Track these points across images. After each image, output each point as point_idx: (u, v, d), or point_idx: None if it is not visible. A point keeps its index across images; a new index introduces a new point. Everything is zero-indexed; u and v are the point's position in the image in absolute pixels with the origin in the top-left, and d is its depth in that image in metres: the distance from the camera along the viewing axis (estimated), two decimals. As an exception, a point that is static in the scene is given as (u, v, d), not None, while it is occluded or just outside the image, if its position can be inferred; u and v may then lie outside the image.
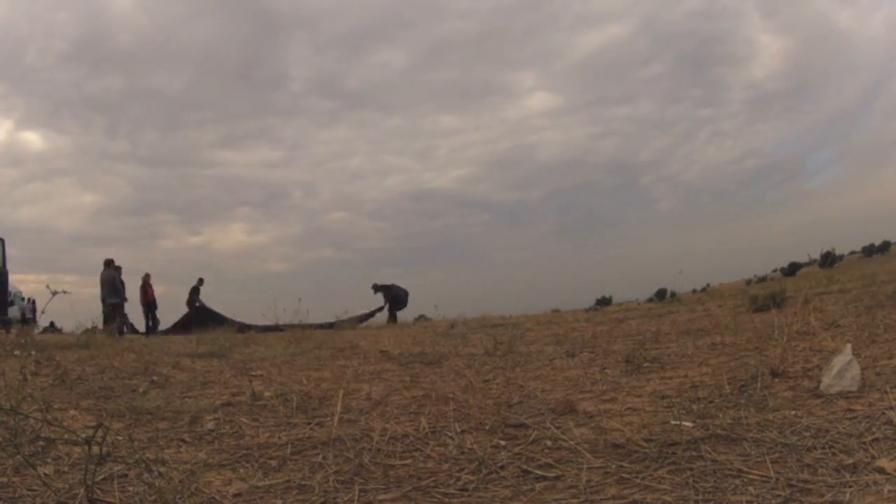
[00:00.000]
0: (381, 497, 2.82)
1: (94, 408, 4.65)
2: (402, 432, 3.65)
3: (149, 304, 22.11)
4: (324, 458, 3.31)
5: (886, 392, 3.43)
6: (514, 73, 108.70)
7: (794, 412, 3.40)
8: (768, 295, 10.45)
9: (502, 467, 3.03)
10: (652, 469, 2.83)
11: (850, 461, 2.69)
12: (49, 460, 3.14)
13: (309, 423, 4.03)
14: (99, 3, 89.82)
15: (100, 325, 13.67)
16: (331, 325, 17.62)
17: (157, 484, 2.84)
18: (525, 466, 3.02)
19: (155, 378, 6.10)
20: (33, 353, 6.40)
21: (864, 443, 2.85)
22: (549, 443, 3.30)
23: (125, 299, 20.77)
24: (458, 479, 2.95)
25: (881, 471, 2.55)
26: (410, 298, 26.24)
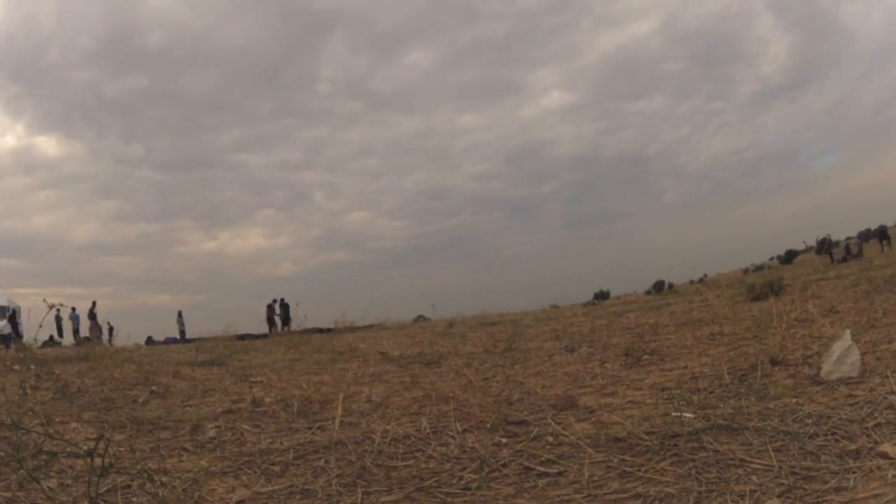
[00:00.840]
0: (384, 499, 2.82)
1: (95, 420, 4.63)
2: (403, 433, 3.64)
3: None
4: (326, 461, 3.31)
5: (887, 377, 3.43)
6: (533, 72, 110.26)
7: (795, 400, 3.41)
8: (766, 283, 10.48)
9: (504, 465, 3.03)
10: (654, 462, 2.83)
11: (853, 447, 2.69)
12: (52, 474, 3.12)
13: (310, 428, 4.02)
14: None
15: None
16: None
17: (160, 493, 2.83)
18: (527, 463, 3.01)
19: (155, 388, 6.08)
20: (32, 367, 6.37)
21: (867, 428, 2.85)
22: (550, 439, 3.30)
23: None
24: (461, 478, 2.95)
25: (884, 456, 2.55)
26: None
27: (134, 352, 12.31)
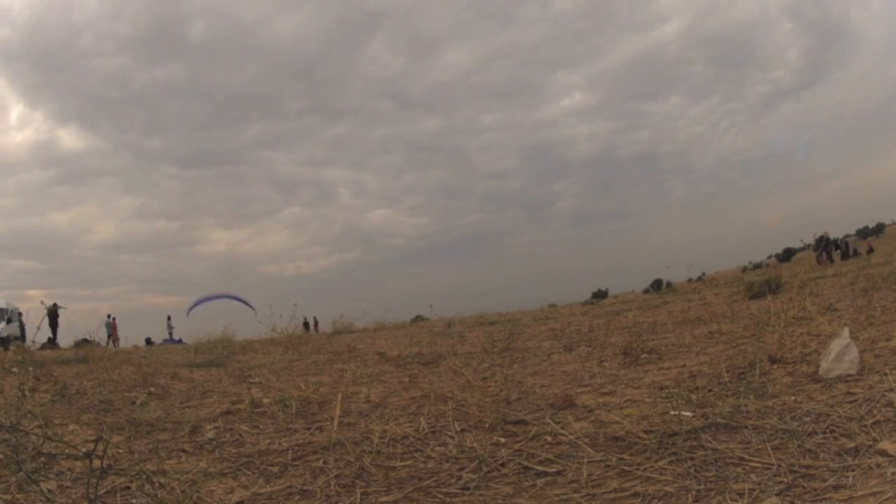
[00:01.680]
0: (382, 499, 2.81)
1: (94, 421, 4.62)
2: (401, 433, 3.64)
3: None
4: (325, 462, 3.30)
5: (886, 374, 3.43)
6: (556, 74, 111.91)
7: (793, 398, 3.41)
8: (764, 281, 10.49)
9: (503, 464, 3.03)
10: (653, 460, 2.83)
11: (852, 445, 2.69)
12: (52, 476, 3.12)
13: (309, 429, 4.02)
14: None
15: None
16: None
17: (159, 495, 2.83)
18: (526, 463, 3.01)
19: (153, 389, 6.07)
20: (31, 369, 6.36)
21: (866, 426, 2.85)
22: (549, 438, 3.30)
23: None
24: (460, 478, 2.95)
25: (883, 453, 2.55)
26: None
27: (132, 353, 12.30)
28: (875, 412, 2.98)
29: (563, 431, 3.35)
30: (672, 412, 3.40)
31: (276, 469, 3.30)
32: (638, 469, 2.77)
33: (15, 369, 6.54)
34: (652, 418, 3.38)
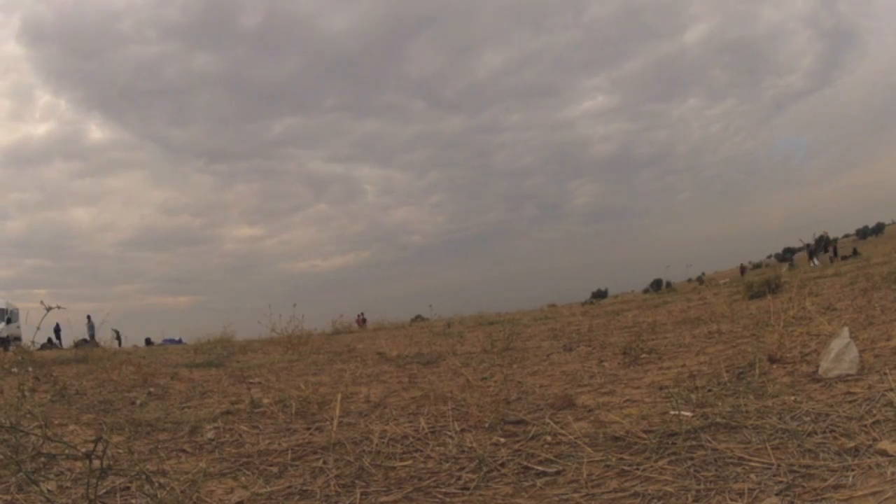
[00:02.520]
0: (382, 499, 2.82)
1: (93, 422, 4.62)
2: (401, 433, 3.64)
3: None
4: (324, 462, 3.30)
5: (886, 374, 3.43)
6: (581, 77, 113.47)
7: (793, 397, 3.41)
8: (763, 281, 10.49)
9: (503, 464, 3.03)
10: (652, 460, 2.83)
11: (852, 444, 2.69)
12: (51, 476, 3.12)
13: (308, 429, 4.02)
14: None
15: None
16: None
17: (158, 495, 2.83)
18: (525, 463, 3.01)
19: (153, 390, 6.07)
20: (30, 369, 6.36)
21: (865, 425, 2.85)
22: (548, 438, 3.30)
23: None
24: (459, 478, 2.95)
25: (883, 453, 2.55)
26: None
27: (132, 353, 12.30)
28: (875, 412, 2.98)
29: (563, 431, 3.35)
30: (672, 412, 3.40)
31: (275, 469, 3.30)
32: (638, 469, 2.77)
33: (15, 369, 6.54)
34: (651, 418, 3.38)
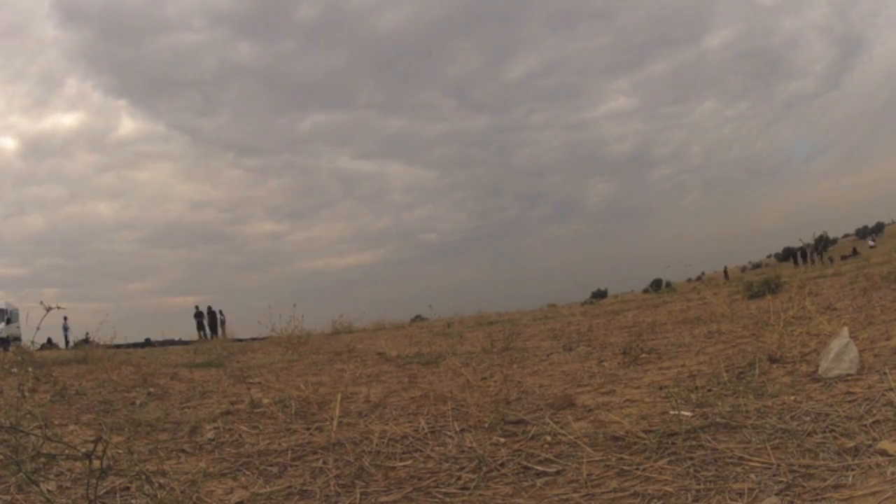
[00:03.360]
0: (382, 499, 2.81)
1: (93, 422, 4.62)
2: (401, 433, 3.64)
3: None
4: (324, 462, 3.30)
5: (885, 373, 3.43)
6: (605, 79, 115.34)
7: (793, 397, 3.41)
8: (763, 281, 10.50)
9: (502, 464, 3.03)
10: (652, 460, 2.83)
11: (852, 444, 2.69)
12: (51, 476, 3.12)
13: (308, 429, 4.02)
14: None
15: None
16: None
17: (158, 495, 2.83)
18: (525, 463, 3.01)
19: (153, 390, 6.07)
20: (30, 369, 6.36)
21: (865, 425, 2.85)
22: (548, 438, 3.30)
23: None
24: (459, 478, 2.95)
25: (883, 453, 2.55)
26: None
27: (132, 354, 12.29)
28: (875, 412, 2.98)
29: (563, 431, 3.34)
30: (671, 412, 3.40)
31: (275, 469, 3.30)
32: (637, 469, 2.77)
33: (14, 370, 6.54)
34: (651, 418, 3.38)
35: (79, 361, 9.07)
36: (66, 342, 24.34)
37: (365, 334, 16.25)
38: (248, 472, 3.28)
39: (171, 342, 22.84)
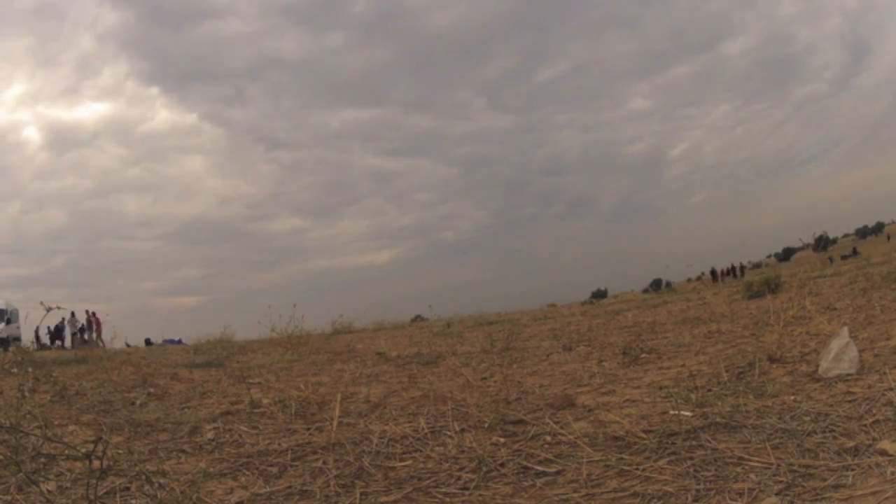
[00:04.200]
0: (382, 499, 2.81)
1: (93, 422, 4.62)
2: (401, 434, 3.64)
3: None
4: (324, 462, 3.30)
5: (885, 373, 3.43)
6: (626, 83, 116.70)
7: (793, 397, 3.41)
8: (763, 281, 10.50)
9: (502, 464, 3.03)
10: (652, 460, 2.83)
11: (852, 444, 2.69)
12: (51, 476, 3.12)
13: (308, 429, 4.02)
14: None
15: None
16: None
17: (158, 495, 2.83)
18: (525, 463, 3.01)
19: (153, 390, 6.06)
20: (30, 370, 6.36)
21: (865, 425, 2.85)
22: (548, 438, 3.30)
23: None
24: (459, 478, 2.95)
25: (883, 453, 2.55)
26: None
27: (132, 354, 12.29)
28: (874, 411, 2.99)
29: (563, 431, 3.35)
30: (671, 412, 3.40)
31: (275, 469, 3.30)
32: (637, 469, 2.77)
33: (14, 370, 6.54)
34: (651, 418, 3.38)
35: (78, 361, 9.06)
36: (72, 340, 24.32)
37: (365, 334, 16.24)
38: (248, 473, 3.28)
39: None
